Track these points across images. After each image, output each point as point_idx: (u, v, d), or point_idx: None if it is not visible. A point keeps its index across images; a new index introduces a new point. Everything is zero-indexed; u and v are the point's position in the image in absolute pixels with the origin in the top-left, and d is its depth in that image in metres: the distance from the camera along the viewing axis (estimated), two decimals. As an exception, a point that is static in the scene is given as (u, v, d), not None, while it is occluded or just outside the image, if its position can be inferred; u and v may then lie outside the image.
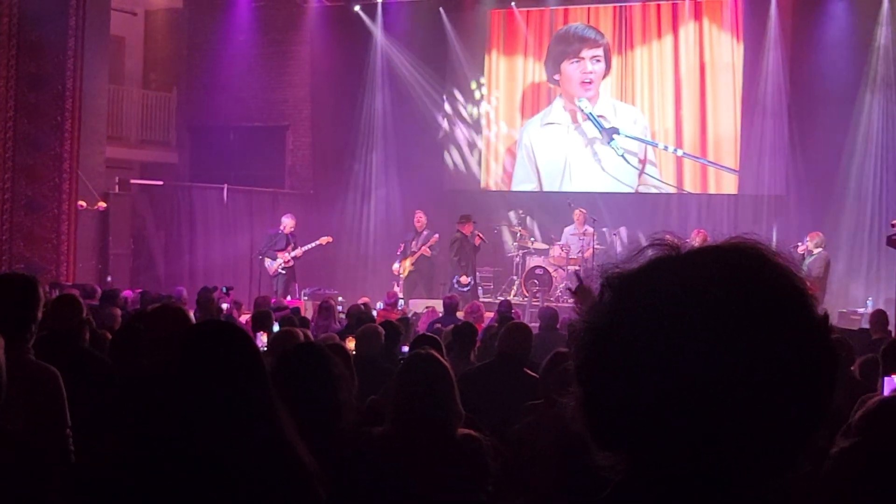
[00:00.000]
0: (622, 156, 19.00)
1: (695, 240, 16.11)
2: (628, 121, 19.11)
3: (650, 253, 1.36)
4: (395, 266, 17.91)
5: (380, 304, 14.47)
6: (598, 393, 1.33)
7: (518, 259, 18.10)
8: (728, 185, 18.65)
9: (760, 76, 18.03)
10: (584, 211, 17.55)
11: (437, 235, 17.83)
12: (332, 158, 20.32)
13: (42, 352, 4.58)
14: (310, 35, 20.19)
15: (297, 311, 12.69)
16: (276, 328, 9.04)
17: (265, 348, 7.52)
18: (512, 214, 19.00)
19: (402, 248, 18.03)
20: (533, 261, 17.83)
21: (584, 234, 17.50)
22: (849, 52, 17.40)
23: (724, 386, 1.24)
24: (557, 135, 19.57)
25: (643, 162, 19.02)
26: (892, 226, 13.51)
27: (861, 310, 15.88)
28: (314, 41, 20.19)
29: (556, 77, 19.55)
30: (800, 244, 15.70)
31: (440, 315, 12.66)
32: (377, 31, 20.05)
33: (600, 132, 19.11)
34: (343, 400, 4.02)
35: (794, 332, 1.27)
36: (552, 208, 18.68)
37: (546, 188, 19.66)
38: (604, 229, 17.67)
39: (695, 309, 1.27)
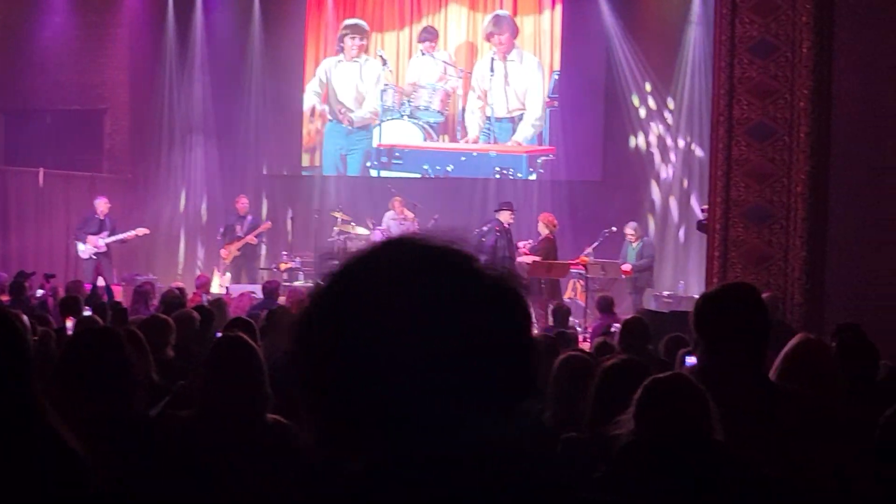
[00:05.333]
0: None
1: (540, 223, 16.36)
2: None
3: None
4: (223, 251, 17.95)
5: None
6: (317, 391, 1.39)
7: (339, 244, 18.25)
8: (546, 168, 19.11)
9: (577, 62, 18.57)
10: (401, 198, 17.85)
11: (268, 223, 18.07)
12: (151, 142, 20.05)
13: None
14: (128, 16, 19.84)
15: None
16: (87, 313, 9.04)
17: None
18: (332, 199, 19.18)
19: (223, 231, 18.04)
20: (354, 245, 17.99)
21: (404, 219, 17.78)
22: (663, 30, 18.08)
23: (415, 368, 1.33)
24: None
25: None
26: (703, 211, 13.76)
27: (672, 293, 16.68)
28: (133, 23, 19.87)
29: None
30: (613, 228, 16.32)
31: (255, 299, 12.82)
32: (198, 12, 19.91)
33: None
34: (135, 381, 4.01)
35: (474, 307, 1.37)
36: (374, 193, 18.89)
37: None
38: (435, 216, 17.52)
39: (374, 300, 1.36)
